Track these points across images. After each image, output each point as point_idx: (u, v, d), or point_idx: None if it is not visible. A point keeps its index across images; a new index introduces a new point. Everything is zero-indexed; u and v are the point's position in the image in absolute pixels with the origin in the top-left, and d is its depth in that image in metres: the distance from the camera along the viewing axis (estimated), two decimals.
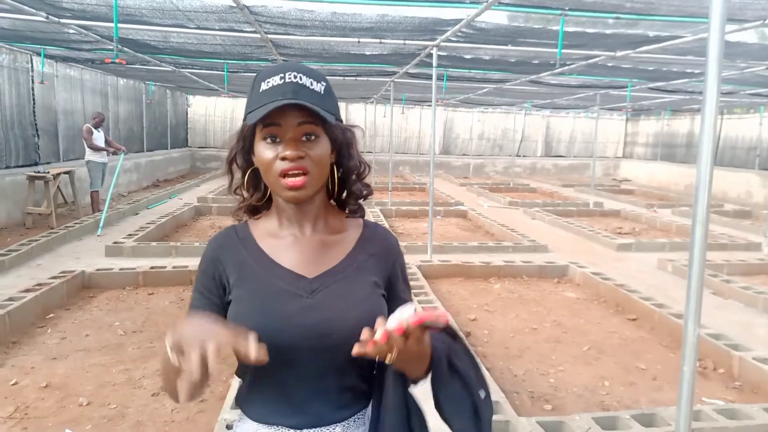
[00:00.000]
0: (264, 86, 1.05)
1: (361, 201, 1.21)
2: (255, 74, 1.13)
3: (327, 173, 1.11)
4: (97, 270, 5.81)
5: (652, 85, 10.26)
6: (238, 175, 1.17)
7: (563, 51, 5.47)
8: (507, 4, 4.45)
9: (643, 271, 6.83)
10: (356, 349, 0.90)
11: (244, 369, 1.12)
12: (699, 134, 1.82)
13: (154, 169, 15.41)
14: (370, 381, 1.14)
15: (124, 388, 3.54)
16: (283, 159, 1.02)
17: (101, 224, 8.03)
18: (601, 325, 5.02)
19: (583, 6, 4.54)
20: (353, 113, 19.88)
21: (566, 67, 7.58)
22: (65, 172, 9.14)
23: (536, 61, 7.42)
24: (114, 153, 9.27)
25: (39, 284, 5.09)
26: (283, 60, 8.22)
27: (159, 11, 5.28)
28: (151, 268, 5.91)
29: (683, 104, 14.98)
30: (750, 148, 15.11)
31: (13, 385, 3.52)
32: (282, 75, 1.04)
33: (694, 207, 1.84)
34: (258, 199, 1.17)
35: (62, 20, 5.70)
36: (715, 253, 7.50)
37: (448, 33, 5.68)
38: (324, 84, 1.08)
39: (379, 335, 0.89)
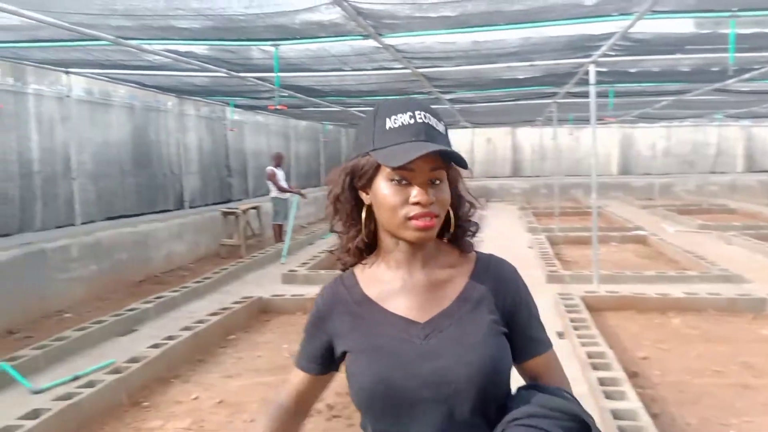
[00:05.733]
0: (390, 123, 1.02)
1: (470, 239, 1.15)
2: (374, 108, 1.09)
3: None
4: (273, 296, 6.39)
5: None
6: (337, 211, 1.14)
7: (743, 55, 4.81)
8: (661, 12, 4.06)
9: None
10: None
11: (365, 421, 1.09)
12: None
13: None
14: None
15: None
16: (415, 204, 0.99)
17: (284, 253, 8.85)
18: None
19: (754, 5, 3.94)
20: (520, 137, 20.05)
21: (755, 72, 6.64)
22: (253, 208, 10.26)
23: (716, 68, 6.62)
24: (298, 193, 10.03)
25: (223, 308, 5.74)
26: (439, 92, 8.39)
27: (317, 59, 5.81)
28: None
29: None
30: None
31: (194, 399, 4.00)
32: (411, 113, 1.02)
33: None
34: (366, 235, 1.11)
35: (240, 74, 6.55)
36: None
37: (603, 48, 5.35)
38: (443, 124, 1.06)
39: None
